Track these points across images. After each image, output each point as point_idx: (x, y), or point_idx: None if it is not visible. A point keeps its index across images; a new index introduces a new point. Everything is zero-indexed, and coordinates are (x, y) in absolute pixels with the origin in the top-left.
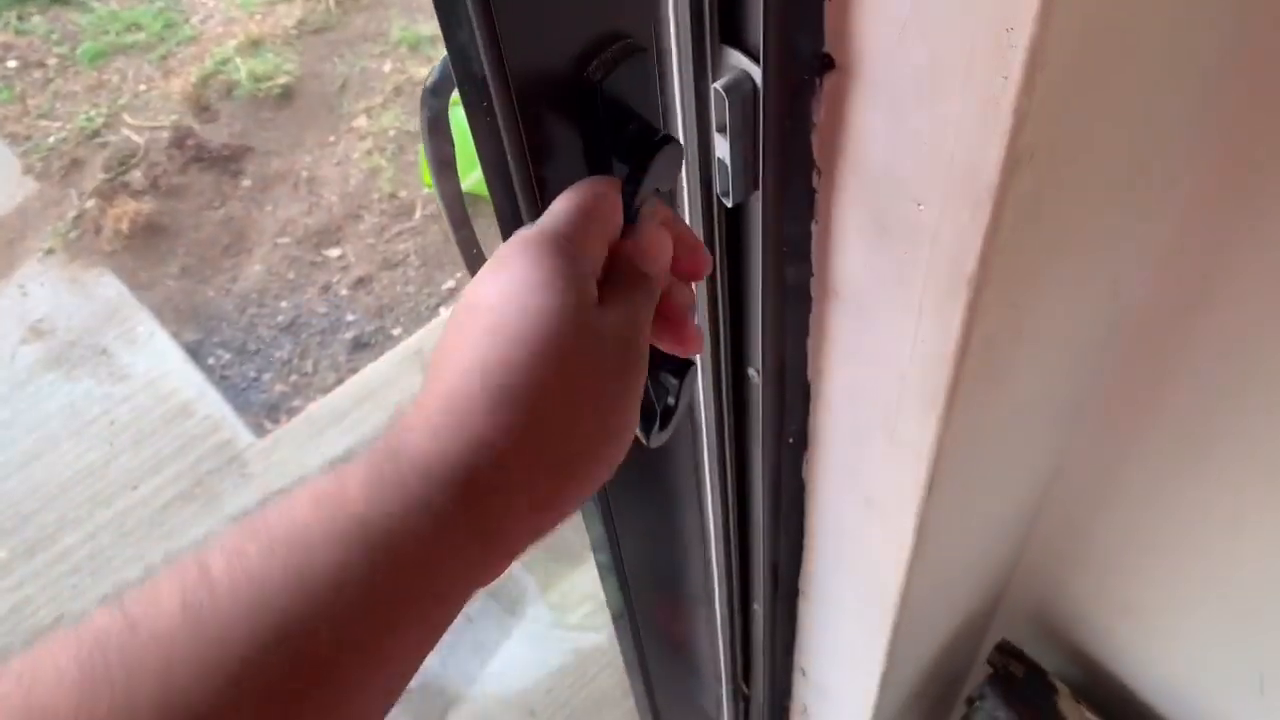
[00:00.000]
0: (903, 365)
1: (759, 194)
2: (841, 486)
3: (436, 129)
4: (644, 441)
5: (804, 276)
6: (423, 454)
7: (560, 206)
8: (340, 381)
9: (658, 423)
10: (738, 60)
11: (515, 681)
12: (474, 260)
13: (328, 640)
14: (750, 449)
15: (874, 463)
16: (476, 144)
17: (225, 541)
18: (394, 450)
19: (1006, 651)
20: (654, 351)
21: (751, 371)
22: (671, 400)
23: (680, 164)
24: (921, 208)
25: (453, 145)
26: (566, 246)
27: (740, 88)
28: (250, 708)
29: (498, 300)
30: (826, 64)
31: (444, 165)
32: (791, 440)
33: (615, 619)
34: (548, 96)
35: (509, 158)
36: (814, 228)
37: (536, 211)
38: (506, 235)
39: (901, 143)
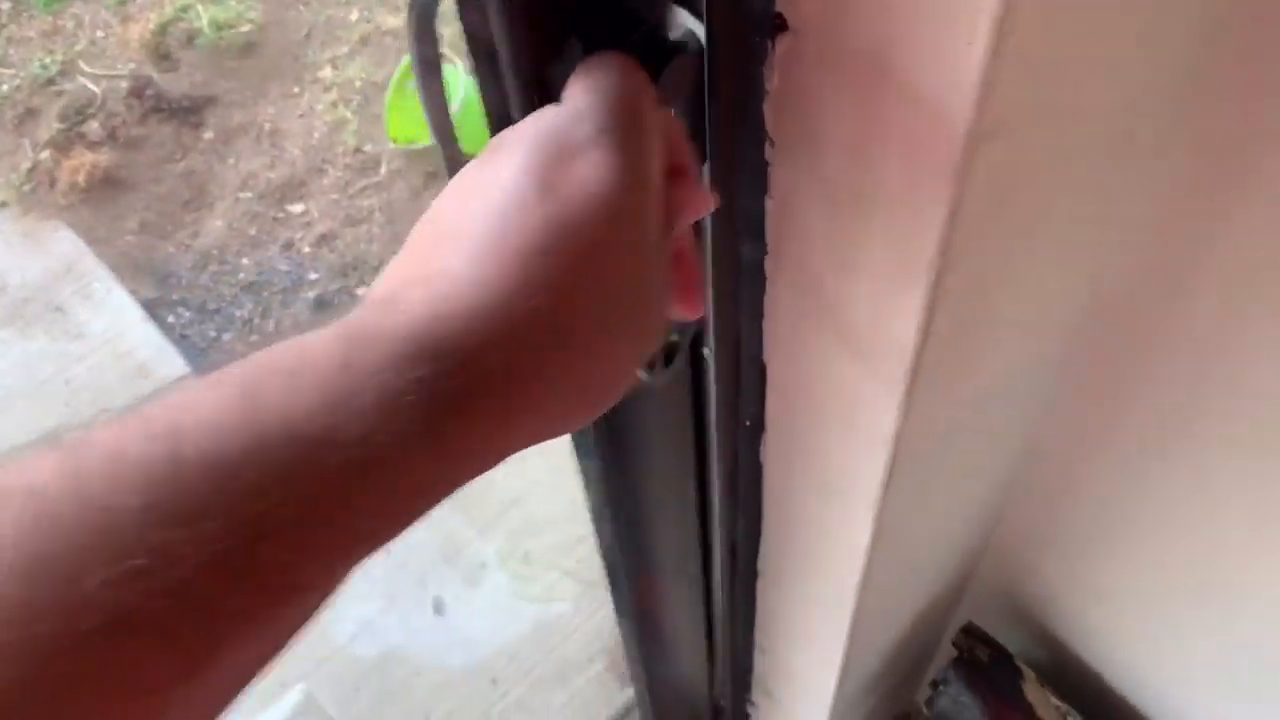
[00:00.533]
0: (861, 350)
1: (707, 166)
2: (799, 471)
3: (424, 29)
4: (647, 381)
5: (758, 254)
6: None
7: (616, 113)
8: None
9: (661, 360)
10: (681, 18)
11: (477, 650)
12: None
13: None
14: (707, 429)
15: (832, 449)
16: (468, 42)
17: (204, 414)
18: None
19: (972, 634)
20: None
21: (706, 351)
22: (675, 337)
23: (694, 77)
24: (880, 185)
25: (438, 48)
26: (649, 160)
27: (684, 48)
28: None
29: (573, 197)
30: (779, 25)
31: (429, 69)
32: (749, 423)
33: (610, 573)
34: None
35: (502, 62)
36: (768, 203)
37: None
38: None
39: (858, 114)
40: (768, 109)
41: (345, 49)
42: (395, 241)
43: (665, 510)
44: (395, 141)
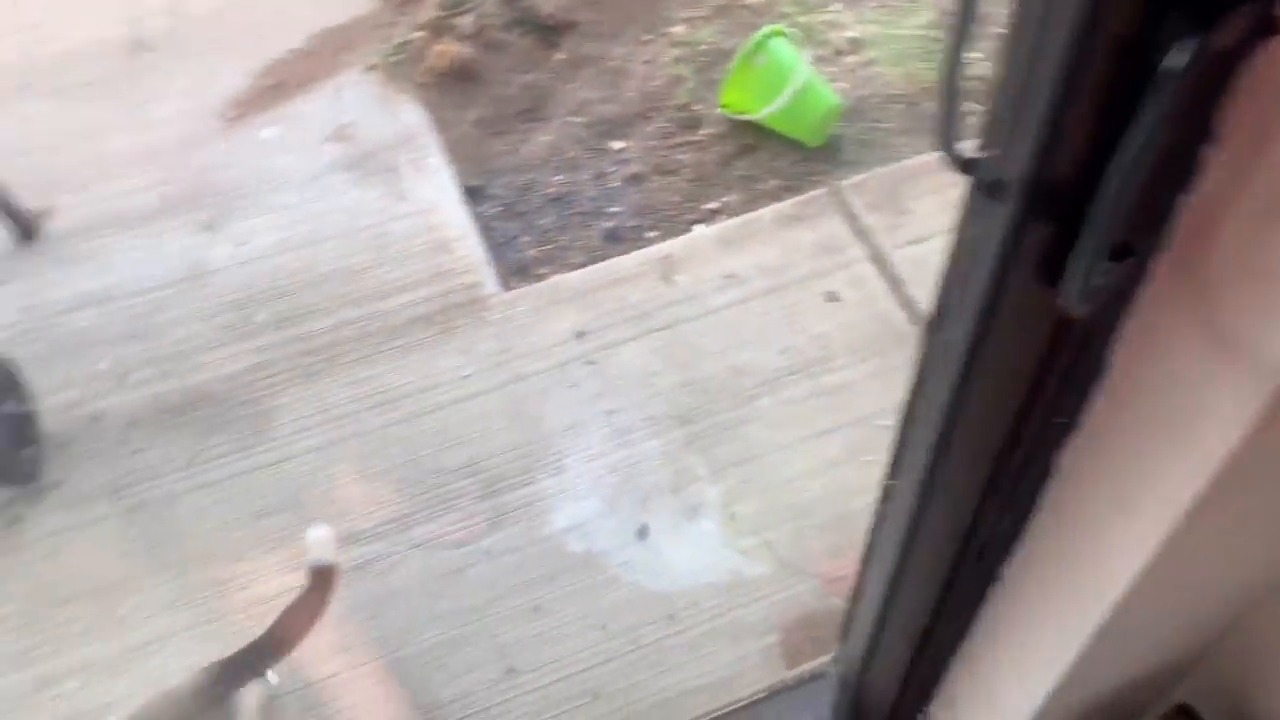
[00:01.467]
0: (1237, 360)
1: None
2: (1099, 479)
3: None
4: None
5: (1148, 248)
6: None
7: None
8: (588, 264)
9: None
10: None
11: (669, 583)
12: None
13: None
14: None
15: (1158, 459)
16: None
17: None
18: None
19: (1185, 714)
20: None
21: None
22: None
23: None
24: None
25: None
26: None
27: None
28: None
29: None
30: (1269, 28)
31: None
32: (1061, 420)
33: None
34: None
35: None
36: (1183, 200)
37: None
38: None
39: None
40: (1222, 110)
41: (703, 13)
42: (694, 199)
43: (948, 499)
44: (725, 109)
